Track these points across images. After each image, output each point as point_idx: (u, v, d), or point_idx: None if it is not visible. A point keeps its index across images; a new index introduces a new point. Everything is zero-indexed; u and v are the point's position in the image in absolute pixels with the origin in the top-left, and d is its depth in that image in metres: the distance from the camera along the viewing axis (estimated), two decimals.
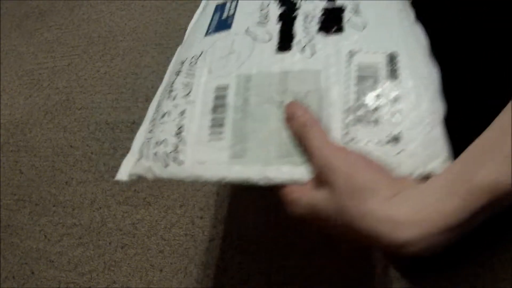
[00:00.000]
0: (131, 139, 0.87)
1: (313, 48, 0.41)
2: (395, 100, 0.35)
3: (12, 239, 0.80)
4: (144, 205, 0.79)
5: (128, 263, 0.73)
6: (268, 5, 0.45)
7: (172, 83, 0.45)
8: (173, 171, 0.41)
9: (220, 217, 0.75)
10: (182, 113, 0.41)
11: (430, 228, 0.25)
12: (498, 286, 0.65)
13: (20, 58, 1.08)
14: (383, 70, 0.39)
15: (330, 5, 0.43)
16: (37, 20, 1.16)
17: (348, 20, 0.42)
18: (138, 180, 0.54)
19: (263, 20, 0.44)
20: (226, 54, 0.43)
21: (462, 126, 0.32)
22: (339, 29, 0.41)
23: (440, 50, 0.39)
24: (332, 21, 0.42)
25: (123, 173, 0.44)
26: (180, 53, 0.50)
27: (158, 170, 0.42)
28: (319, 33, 0.41)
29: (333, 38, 0.41)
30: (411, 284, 0.65)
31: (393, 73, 0.38)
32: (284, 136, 0.36)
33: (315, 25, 0.42)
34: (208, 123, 0.40)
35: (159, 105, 0.45)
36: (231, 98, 0.40)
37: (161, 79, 0.51)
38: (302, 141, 0.33)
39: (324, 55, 0.40)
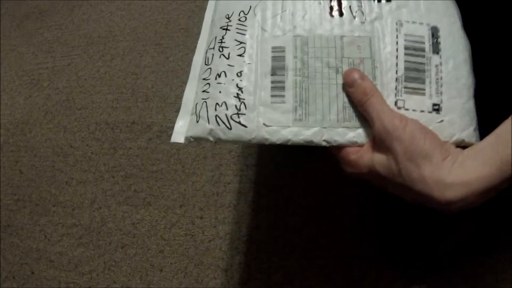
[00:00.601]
0: (131, 139, 0.88)
1: (364, 15, 0.42)
2: (437, 73, 0.39)
3: (12, 239, 0.80)
4: (144, 205, 0.79)
5: (128, 263, 0.73)
6: None
7: (222, 39, 0.43)
8: (236, 134, 0.41)
9: (220, 217, 0.75)
10: (240, 74, 0.41)
11: (471, 190, 0.29)
12: (498, 286, 0.65)
13: (20, 58, 1.08)
14: (427, 43, 0.41)
15: None
16: (37, 20, 1.16)
17: None
18: (195, 143, 0.51)
19: None
20: (279, 12, 0.42)
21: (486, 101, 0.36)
22: None
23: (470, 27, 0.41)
24: None
25: (179, 136, 0.43)
26: (220, 6, 0.45)
27: (221, 133, 0.41)
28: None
29: (382, 6, 0.42)
30: (411, 284, 0.66)
31: (435, 46, 0.41)
32: (344, 101, 0.39)
33: None
34: (269, 86, 0.40)
35: (209, 62, 0.43)
36: (289, 61, 0.41)
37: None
38: (363, 108, 0.36)
39: (375, 23, 0.42)
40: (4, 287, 0.75)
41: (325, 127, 0.39)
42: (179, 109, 0.43)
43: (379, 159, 0.33)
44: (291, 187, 0.76)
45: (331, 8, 0.42)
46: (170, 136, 0.79)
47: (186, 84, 0.45)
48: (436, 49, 0.42)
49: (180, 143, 0.42)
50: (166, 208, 0.78)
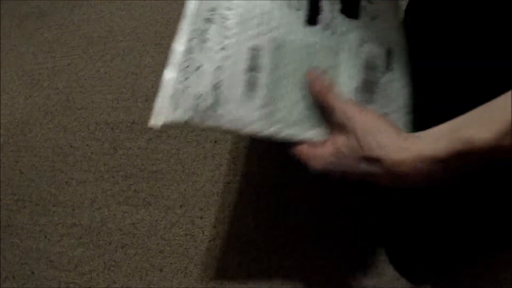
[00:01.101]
0: (131, 139, 0.88)
1: (335, 27, 0.47)
2: (387, 88, 0.46)
3: (12, 239, 0.80)
4: (144, 205, 0.79)
5: (128, 263, 0.73)
6: None
7: (206, 31, 0.45)
8: (211, 124, 0.44)
9: (220, 217, 0.75)
10: (219, 68, 0.44)
11: (419, 154, 0.33)
12: (498, 286, 0.65)
13: (20, 58, 1.08)
14: (383, 62, 0.48)
15: None
16: (37, 20, 1.16)
17: (364, 7, 0.48)
18: (170, 128, 0.56)
19: None
20: (260, 13, 0.45)
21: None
22: (356, 15, 0.48)
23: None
24: (352, 5, 0.48)
25: (158, 120, 0.45)
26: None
27: (197, 121, 0.45)
28: (341, 14, 0.47)
29: (350, 22, 0.47)
30: (411, 284, 0.66)
31: (389, 65, 0.48)
32: (308, 102, 0.45)
33: (338, 3, 0.48)
34: (243, 82, 0.44)
35: (191, 51, 0.45)
36: (264, 61, 0.44)
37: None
38: (324, 98, 0.41)
39: (343, 37, 0.47)
40: (4, 287, 0.75)
41: (289, 125, 0.44)
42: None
43: (342, 141, 0.38)
44: (291, 187, 0.76)
45: (308, 17, 0.47)
46: (170, 136, 0.82)
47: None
48: (389, 68, 0.48)
49: (157, 126, 0.45)
50: (166, 208, 0.78)
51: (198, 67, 0.44)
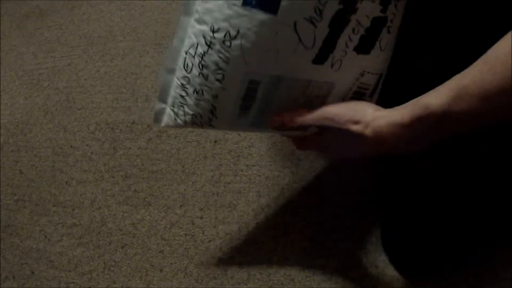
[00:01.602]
0: (131, 139, 0.88)
1: (342, 63, 0.45)
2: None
3: (12, 239, 0.80)
4: (144, 205, 0.79)
5: (128, 263, 0.73)
6: None
7: (203, 55, 0.43)
8: (205, 129, 0.49)
9: (220, 217, 0.75)
10: (215, 96, 0.45)
11: (390, 120, 0.39)
12: (498, 286, 0.65)
13: (20, 58, 1.08)
14: (370, 89, 0.50)
15: (380, 11, 0.44)
16: (37, 20, 1.16)
17: (380, 39, 0.46)
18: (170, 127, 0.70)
19: (316, 16, 0.40)
20: (266, 50, 0.42)
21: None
22: (369, 51, 0.46)
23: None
24: (370, 40, 0.46)
25: (158, 122, 0.50)
26: (205, 11, 0.42)
27: (193, 128, 0.51)
28: (354, 51, 0.45)
29: (359, 57, 0.46)
30: (411, 284, 0.66)
31: (373, 91, 0.50)
32: None
33: (356, 40, 0.44)
34: (237, 109, 0.46)
35: (188, 70, 0.45)
36: (261, 92, 0.45)
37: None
38: (292, 126, 0.47)
39: (346, 71, 0.46)
40: (4, 287, 0.75)
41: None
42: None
43: (326, 134, 0.47)
44: (291, 187, 0.76)
45: (318, 56, 0.43)
46: (170, 136, 0.82)
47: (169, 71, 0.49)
48: (372, 94, 0.50)
49: (157, 126, 0.52)
50: (166, 208, 0.78)
51: (196, 92, 0.45)
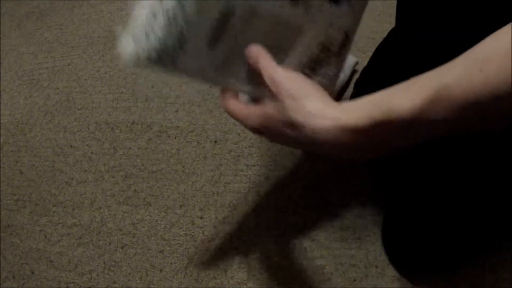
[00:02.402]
0: (131, 139, 0.88)
1: (313, 9, 0.45)
2: (329, 71, 0.49)
3: (12, 239, 0.80)
4: (144, 205, 0.79)
5: (128, 263, 0.73)
6: None
7: None
8: (171, 70, 0.44)
9: (220, 217, 0.75)
10: (187, 22, 0.42)
11: (339, 123, 0.32)
12: (498, 286, 0.65)
13: (20, 58, 1.08)
14: (337, 46, 0.48)
15: None
16: (37, 20, 1.16)
17: None
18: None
19: None
20: None
21: None
22: (339, 2, 0.46)
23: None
24: None
25: (125, 56, 0.45)
26: None
27: (156, 68, 0.44)
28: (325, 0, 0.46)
29: (330, 8, 0.46)
30: (411, 284, 0.66)
31: (340, 50, 0.49)
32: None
33: None
34: (208, 39, 0.42)
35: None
36: (232, 27, 0.42)
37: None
38: (255, 68, 0.41)
39: (316, 18, 0.46)
40: (4, 287, 0.75)
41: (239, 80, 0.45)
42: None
43: (270, 105, 0.38)
44: (291, 187, 0.76)
45: None
46: (170, 136, 0.82)
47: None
48: (339, 53, 0.49)
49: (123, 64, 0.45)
50: (166, 208, 0.78)
51: (167, 15, 0.42)
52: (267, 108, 0.38)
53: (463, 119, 0.28)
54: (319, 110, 0.34)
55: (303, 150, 0.42)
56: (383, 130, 0.31)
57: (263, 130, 0.39)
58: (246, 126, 0.41)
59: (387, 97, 0.31)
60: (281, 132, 0.37)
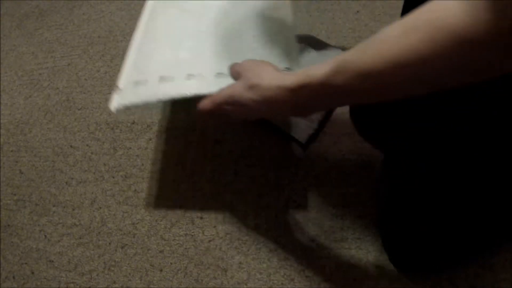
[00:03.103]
0: (131, 139, 0.88)
1: None
2: None
3: (12, 239, 0.80)
4: (144, 205, 0.79)
5: (128, 263, 0.73)
6: None
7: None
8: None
9: (220, 217, 0.75)
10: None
11: (280, 83, 0.44)
12: (498, 286, 0.65)
13: (20, 58, 1.08)
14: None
15: None
16: (37, 20, 1.16)
17: None
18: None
19: None
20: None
21: None
22: None
23: None
24: None
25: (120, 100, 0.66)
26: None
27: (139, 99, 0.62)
28: None
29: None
30: (411, 284, 0.66)
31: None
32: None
33: None
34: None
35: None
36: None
37: None
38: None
39: None
40: (4, 287, 0.75)
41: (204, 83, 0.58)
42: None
43: (236, 83, 0.49)
44: (291, 187, 0.76)
45: None
46: (170, 136, 0.82)
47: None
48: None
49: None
50: (166, 208, 0.78)
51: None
52: (234, 85, 0.49)
53: (358, 89, 0.36)
54: (269, 75, 0.46)
55: (258, 116, 0.51)
56: (305, 90, 0.41)
57: (230, 100, 0.49)
58: (205, 105, 0.51)
59: (311, 68, 0.41)
60: (243, 96, 0.47)
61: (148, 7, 0.73)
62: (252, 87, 0.46)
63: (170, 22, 0.69)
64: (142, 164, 0.84)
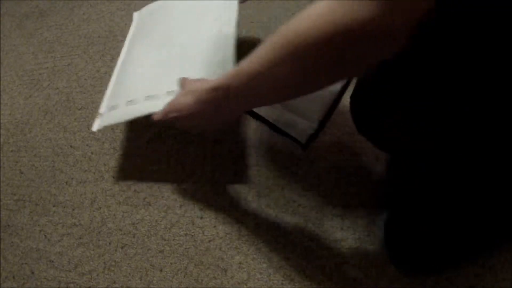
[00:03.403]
0: (131, 139, 0.88)
1: None
2: None
3: (12, 239, 0.80)
4: (144, 205, 0.79)
5: (128, 263, 0.73)
6: None
7: None
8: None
9: (220, 217, 0.75)
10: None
11: (207, 86, 0.52)
12: (498, 286, 0.65)
13: (20, 58, 1.08)
14: None
15: None
16: (37, 20, 1.16)
17: None
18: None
19: None
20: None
21: None
22: None
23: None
24: None
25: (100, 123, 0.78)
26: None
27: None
28: None
29: None
30: (411, 284, 0.66)
31: None
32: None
33: None
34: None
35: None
36: None
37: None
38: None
39: None
40: (4, 287, 0.75)
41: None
42: None
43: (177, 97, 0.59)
44: (291, 187, 0.76)
45: None
46: (170, 136, 0.82)
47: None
48: None
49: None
50: (166, 208, 0.78)
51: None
52: (176, 94, 0.59)
53: (247, 90, 0.45)
54: (201, 83, 0.54)
55: (198, 124, 0.59)
56: (220, 91, 0.49)
57: (172, 108, 0.57)
58: (163, 115, 0.59)
59: (227, 73, 0.48)
60: (180, 102, 0.56)
61: (127, 40, 0.90)
62: (187, 93, 0.55)
63: (140, 54, 0.84)
64: (142, 164, 0.84)
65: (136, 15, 0.98)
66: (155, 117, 0.60)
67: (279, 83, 0.41)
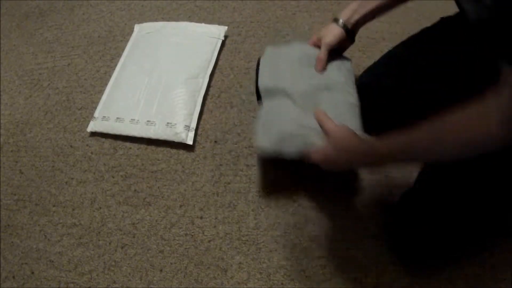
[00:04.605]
0: (131, 139, 0.87)
1: None
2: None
3: (12, 239, 0.80)
4: (144, 205, 0.79)
5: (128, 263, 0.73)
6: None
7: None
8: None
9: (220, 217, 0.75)
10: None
11: (358, 145, 0.57)
12: (498, 286, 0.65)
13: (20, 58, 1.08)
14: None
15: None
16: (37, 20, 1.16)
17: None
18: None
19: None
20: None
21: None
22: None
23: None
24: None
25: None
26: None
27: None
28: None
29: None
30: (411, 283, 0.66)
31: None
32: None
33: None
34: None
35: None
36: None
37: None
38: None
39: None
40: (4, 287, 0.75)
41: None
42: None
43: (327, 145, 0.61)
44: (291, 187, 0.76)
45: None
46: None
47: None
48: None
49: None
50: (166, 208, 0.78)
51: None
52: (326, 143, 0.61)
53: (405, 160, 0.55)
54: (356, 143, 0.57)
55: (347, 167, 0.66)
56: (376, 158, 0.54)
57: (331, 162, 0.59)
58: (324, 158, 0.60)
59: (378, 140, 0.53)
60: (339, 162, 0.58)
61: (125, 53, 0.99)
62: (341, 151, 0.58)
63: (131, 77, 0.93)
64: (142, 164, 0.84)
65: (137, 28, 1.04)
66: (313, 158, 0.61)
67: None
